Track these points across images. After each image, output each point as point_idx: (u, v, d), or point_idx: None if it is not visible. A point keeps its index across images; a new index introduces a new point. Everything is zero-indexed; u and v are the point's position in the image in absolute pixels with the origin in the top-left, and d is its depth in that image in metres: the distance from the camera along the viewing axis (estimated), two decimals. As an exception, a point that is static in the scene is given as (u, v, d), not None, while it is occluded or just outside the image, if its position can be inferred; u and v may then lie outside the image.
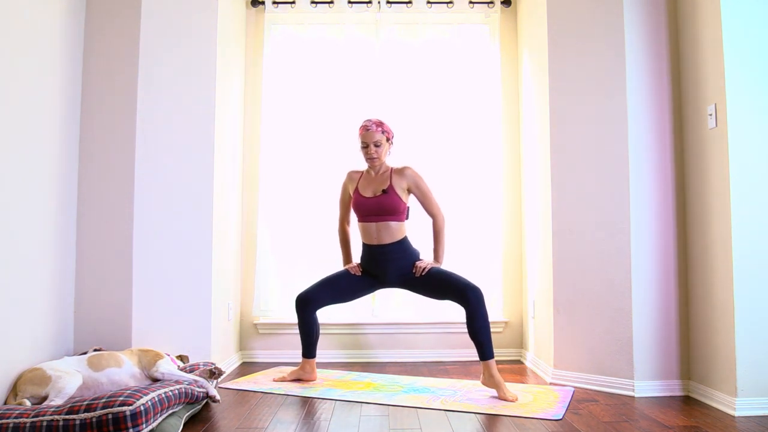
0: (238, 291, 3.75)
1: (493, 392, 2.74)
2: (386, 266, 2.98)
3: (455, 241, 3.76)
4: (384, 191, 2.94)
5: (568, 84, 3.09)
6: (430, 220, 3.05)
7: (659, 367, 2.82)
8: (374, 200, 2.95)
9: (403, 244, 2.99)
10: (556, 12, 3.16)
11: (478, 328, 2.76)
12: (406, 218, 3.02)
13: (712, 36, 2.63)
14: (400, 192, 2.96)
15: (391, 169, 3.02)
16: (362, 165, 3.15)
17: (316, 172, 3.82)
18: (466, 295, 2.78)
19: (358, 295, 3.09)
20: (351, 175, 3.13)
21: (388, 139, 3.01)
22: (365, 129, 2.97)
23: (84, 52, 2.97)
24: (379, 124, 2.97)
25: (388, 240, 2.96)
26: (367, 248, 3.03)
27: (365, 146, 2.97)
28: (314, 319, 3.06)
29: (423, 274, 2.92)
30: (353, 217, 3.14)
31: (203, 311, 3.02)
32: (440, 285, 2.87)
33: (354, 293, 3.07)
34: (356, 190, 3.04)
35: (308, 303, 3.02)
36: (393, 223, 2.95)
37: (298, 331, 3.67)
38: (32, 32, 2.52)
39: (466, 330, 2.84)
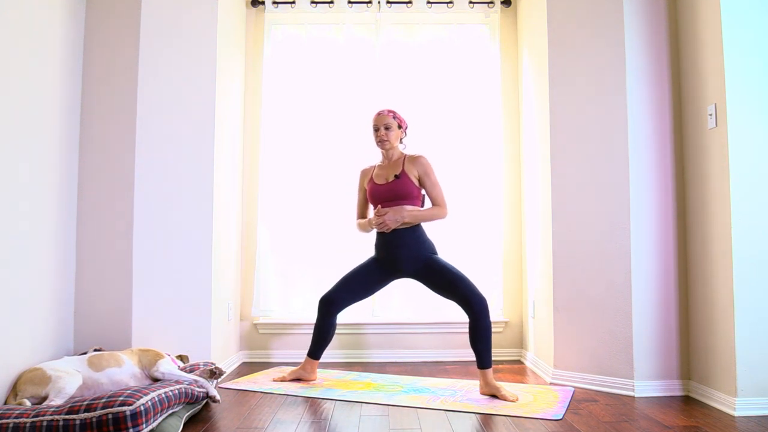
0: (238, 291, 3.75)
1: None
2: (399, 252, 2.96)
3: (455, 241, 3.77)
4: (396, 176, 2.99)
5: (568, 84, 3.09)
6: (450, 222, 3.04)
7: (659, 367, 2.82)
8: (387, 186, 3.00)
9: (417, 231, 2.97)
10: (556, 12, 3.16)
11: (479, 338, 2.77)
12: (422, 205, 3.03)
13: (712, 36, 2.63)
14: (413, 178, 3.00)
15: (405, 156, 3.07)
16: (370, 161, 3.25)
17: (316, 172, 3.82)
18: (471, 304, 2.79)
19: (376, 288, 3.08)
20: (364, 172, 3.20)
21: (400, 126, 3.07)
22: (377, 114, 3.07)
23: (84, 52, 2.97)
24: (391, 111, 3.08)
25: (403, 224, 2.96)
26: (381, 234, 3.03)
27: (376, 129, 3.05)
28: (333, 323, 3.06)
29: (380, 221, 2.92)
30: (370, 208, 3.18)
31: (203, 311, 3.02)
32: (449, 285, 2.87)
33: (372, 287, 3.07)
34: (371, 180, 3.09)
35: (332, 304, 3.02)
36: (407, 207, 2.95)
37: (298, 331, 3.71)
38: (32, 32, 2.52)
39: (466, 330, 2.85)
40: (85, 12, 2.98)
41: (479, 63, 3.92)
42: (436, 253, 3.00)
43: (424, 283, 2.97)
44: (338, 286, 3.05)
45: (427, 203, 3.06)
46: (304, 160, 3.84)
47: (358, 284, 3.04)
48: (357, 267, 3.09)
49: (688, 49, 2.85)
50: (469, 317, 2.80)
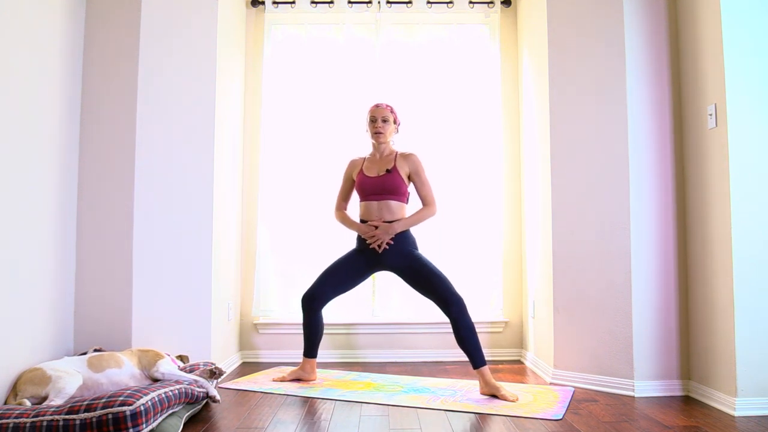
0: (238, 291, 3.75)
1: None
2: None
3: (456, 241, 3.77)
4: (388, 170, 3.01)
5: (568, 84, 3.09)
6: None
7: (659, 367, 2.82)
8: (378, 179, 3.01)
9: None
10: (556, 12, 3.16)
11: (464, 337, 2.77)
12: (407, 202, 3.05)
13: (712, 36, 2.63)
14: (403, 175, 3.02)
15: (397, 153, 3.09)
16: (361, 153, 3.26)
17: (316, 172, 3.82)
18: (449, 304, 2.80)
19: (358, 280, 3.08)
20: (353, 163, 3.20)
21: (394, 121, 3.10)
22: (376, 105, 3.10)
23: (84, 52, 2.97)
24: (389, 105, 3.11)
25: (388, 218, 2.98)
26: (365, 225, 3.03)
27: (373, 121, 3.07)
28: (319, 319, 3.07)
29: (371, 234, 2.94)
30: (355, 197, 3.18)
31: (203, 311, 3.02)
32: (427, 284, 2.87)
33: (354, 279, 3.07)
34: (360, 172, 3.10)
35: (314, 300, 3.02)
36: (394, 203, 2.99)
37: (298, 331, 3.71)
38: (32, 32, 2.52)
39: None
40: (85, 12, 2.98)
41: (479, 63, 3.92)
42: (417, 248, 3.03)
43: (404, 279, 2.98)
44: (320, 282, 3.05)
45: (413, 199, 3.08)
46: (304, 160, 3.84)
47: (340, 278, 3.04)
48: (337, 261, 3.09)
49: (688, 49, 2.85)
50: (449, 318, 2.81)
